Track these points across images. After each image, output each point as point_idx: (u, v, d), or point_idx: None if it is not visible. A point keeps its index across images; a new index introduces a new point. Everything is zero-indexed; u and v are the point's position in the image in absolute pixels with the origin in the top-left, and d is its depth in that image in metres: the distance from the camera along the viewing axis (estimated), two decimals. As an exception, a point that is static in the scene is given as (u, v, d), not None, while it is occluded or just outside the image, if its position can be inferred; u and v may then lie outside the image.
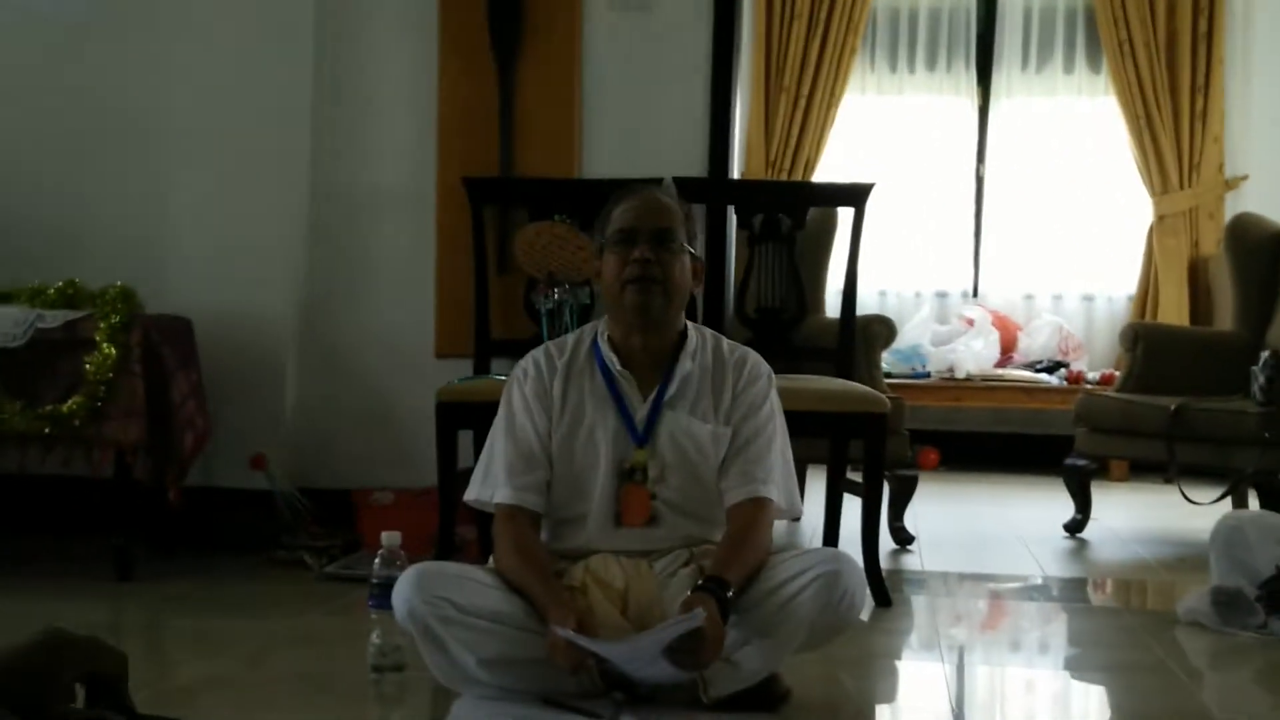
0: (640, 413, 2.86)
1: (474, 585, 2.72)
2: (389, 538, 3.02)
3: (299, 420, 4.58)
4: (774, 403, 2.93)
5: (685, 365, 2.88)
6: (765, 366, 2.96)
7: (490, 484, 2.87)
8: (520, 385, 2.91)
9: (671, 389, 2.87)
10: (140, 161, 4.53)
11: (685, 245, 2.86)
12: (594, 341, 2.93)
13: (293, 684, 2.94)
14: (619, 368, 2.87)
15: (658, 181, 3.84)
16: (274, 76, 4.53)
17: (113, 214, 4.52)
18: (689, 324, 2.93)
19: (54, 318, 3.91)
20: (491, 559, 2.90)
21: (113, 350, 3.85)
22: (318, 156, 4.59)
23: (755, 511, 2.81)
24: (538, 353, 2.96)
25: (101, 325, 3.87)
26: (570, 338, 2.98)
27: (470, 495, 2.93)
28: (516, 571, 2.74)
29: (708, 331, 2.99)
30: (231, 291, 4.46)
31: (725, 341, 2.98)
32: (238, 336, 4.43)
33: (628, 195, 2.90)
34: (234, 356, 4.42)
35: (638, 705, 2.63)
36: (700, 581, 2.65)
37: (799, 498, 3.01)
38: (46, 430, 3.87)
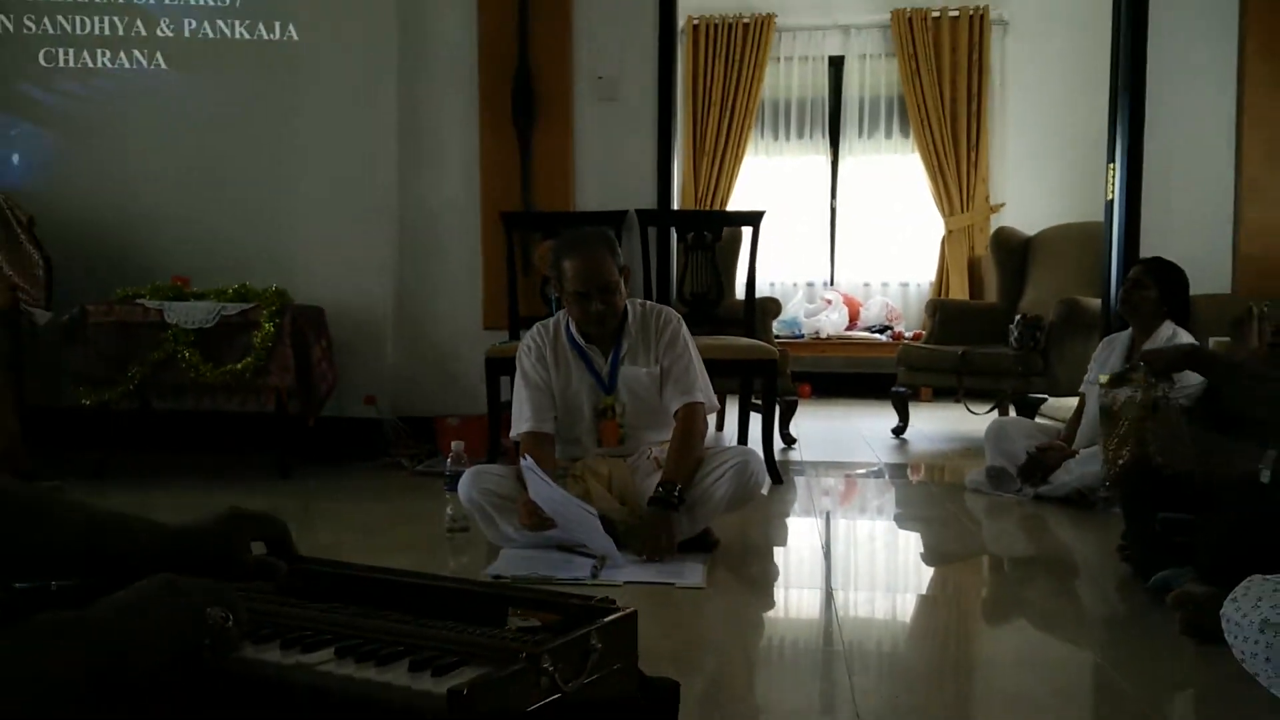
0: (604, 370, 2.82)
1: (509, 482, 2.72)
2: (456, 445, 3.02)
3: (396, 372, 4.53)
4: (684, 335, 2.85)
5: (629, 335, 2.82)
6: (674, 314, 2.88)
7: (521, 420, 2.81)
8: (527, 354, 2.86)
9: (622, 352, 2.82)
10: (283, 205, 4.44)
11: (617, 272, 2.74)
12: (566, 326, 2.86)
13: (395, 543, 2.92)
14: (586, 344, 2.82)
15: (596, 221, 3.75)
16: (370, 131, 4.43)
17: (266, 243, 4.42)
18: (626, 302, 2.83)
19: (233, 308, 3.86)
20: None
21: (271, 329, 3.80)
22: (403, 190, 4.51)
23: (690, 411, 2.77)
24: (534, 332, 2.89)
25: (264, 313, 3.83)
26: (551, 323, 2.91)
27: (514, 433, 2.85)
28: None
29: (637, 301, 2.91)
30: (348, 287, 4.39)
31: (647, 304, 2.91)
32: (354, 316, 4.38)
33: (572, 253, 2.72)
34: (352, 330, 4.37)
35: (623, 548, 2.62)
36: (658, 487, 2.61)
37: (713, 394, 2.91)
38: (229, 382, 3.82)
